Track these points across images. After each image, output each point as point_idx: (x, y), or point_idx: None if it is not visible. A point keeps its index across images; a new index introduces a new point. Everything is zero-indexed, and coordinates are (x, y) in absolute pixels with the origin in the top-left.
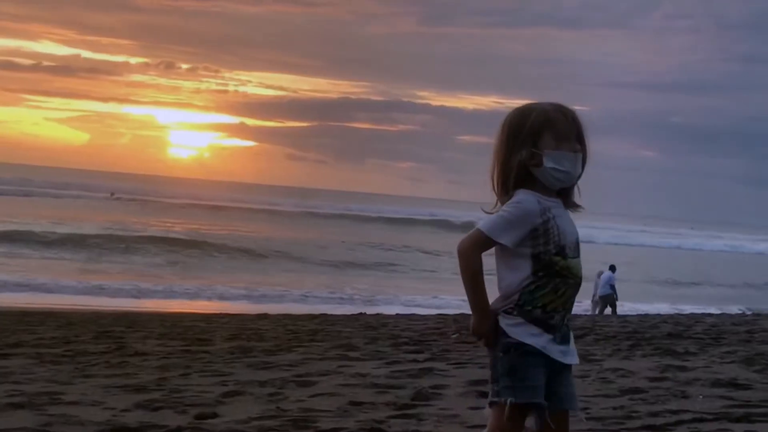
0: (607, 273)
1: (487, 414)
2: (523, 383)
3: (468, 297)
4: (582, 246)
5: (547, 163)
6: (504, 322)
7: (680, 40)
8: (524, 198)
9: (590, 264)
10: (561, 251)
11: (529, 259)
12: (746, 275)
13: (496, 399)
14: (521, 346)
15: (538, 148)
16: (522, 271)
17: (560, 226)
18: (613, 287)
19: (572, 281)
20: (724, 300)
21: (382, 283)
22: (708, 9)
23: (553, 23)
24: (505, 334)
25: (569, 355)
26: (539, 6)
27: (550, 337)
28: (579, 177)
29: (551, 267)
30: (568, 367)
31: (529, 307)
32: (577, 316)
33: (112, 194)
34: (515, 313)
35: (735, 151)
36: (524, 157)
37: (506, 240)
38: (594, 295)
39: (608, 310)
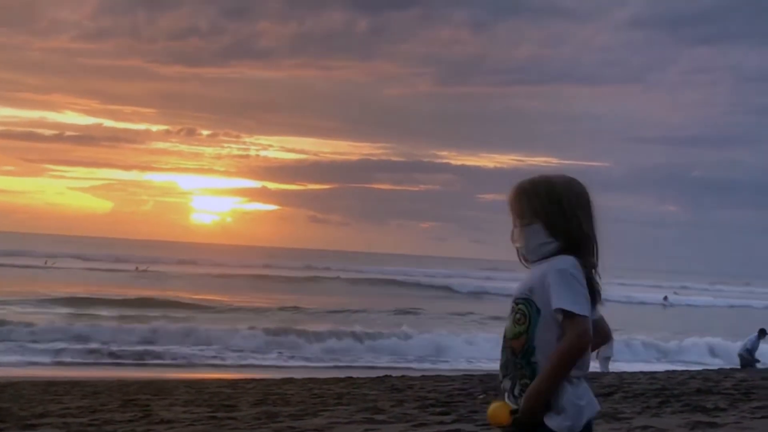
0: (751, 336)
1: None
2: None
3: None
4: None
5: None
6: None
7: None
8: None
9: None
10: None
11: None
12: None
13: None
14: None
15: None
16: None
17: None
18: (748, 350)
19: (504, 344)
20: None
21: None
22: (725, 62)
23: (571, 80)
24: None
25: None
26: (556, 63)
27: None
28: (532, 244)
29: None
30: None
31: None
32: (603, 374)
33: (137, 268)
34: None
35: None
36: None
37: None
38: (597, 353)
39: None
